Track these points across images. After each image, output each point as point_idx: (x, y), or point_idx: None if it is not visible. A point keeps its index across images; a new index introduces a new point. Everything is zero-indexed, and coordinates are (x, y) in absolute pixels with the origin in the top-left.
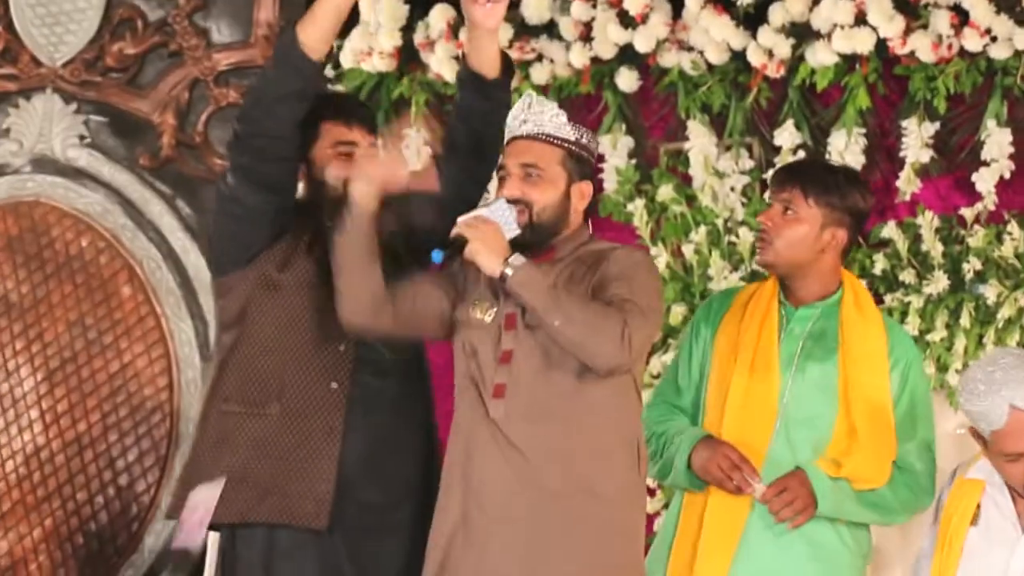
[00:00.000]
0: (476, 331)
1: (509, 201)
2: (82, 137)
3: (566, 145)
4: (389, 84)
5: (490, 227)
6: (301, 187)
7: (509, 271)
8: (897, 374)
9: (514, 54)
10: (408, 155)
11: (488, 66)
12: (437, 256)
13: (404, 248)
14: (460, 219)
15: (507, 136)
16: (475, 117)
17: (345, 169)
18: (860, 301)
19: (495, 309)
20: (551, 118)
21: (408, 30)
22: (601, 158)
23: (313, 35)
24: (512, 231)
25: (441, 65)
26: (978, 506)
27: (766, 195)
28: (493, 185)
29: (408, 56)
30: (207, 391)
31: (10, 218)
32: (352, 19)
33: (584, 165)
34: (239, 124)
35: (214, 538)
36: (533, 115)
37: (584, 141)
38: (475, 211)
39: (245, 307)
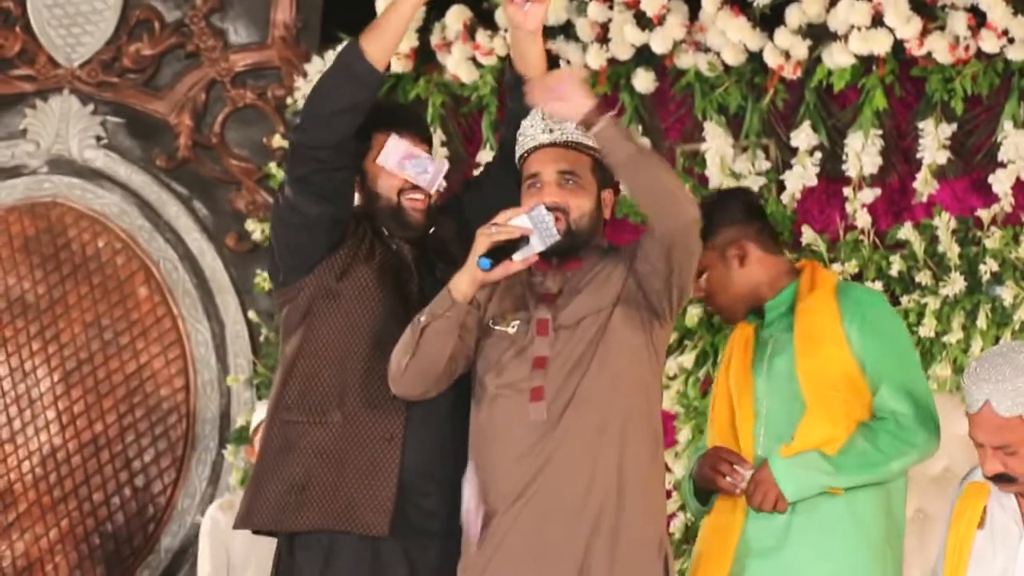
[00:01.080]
0: (498, 344)
1: (548, 208)
2: (99, 138)
3: (594, 153)
4: (405, 85)
5: (562, 73)
6: (356, 197)
7: (609, 117)
8: (855, 331)
9: None
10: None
11: (533, 68)
12: (484, 264)
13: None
14: (496, 219)
15: (528, 144)
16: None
17: (396, 178)
18: (814, 281)
19: (517, 320)
20: (578, 126)
21: (424, 31)
22: None
23: (379, 47)
24: (552, 237)
25: (457, 66)
26: (984, 509)
27: (783, 197)
28: None
29: (424, 57)
30: (272, 400)
31: (27, 219)
32: (368, 18)
33: (608, 172)
34: (298, 135)
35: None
36: (558, 123)
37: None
38: (510, 215)
39: (306, 317)
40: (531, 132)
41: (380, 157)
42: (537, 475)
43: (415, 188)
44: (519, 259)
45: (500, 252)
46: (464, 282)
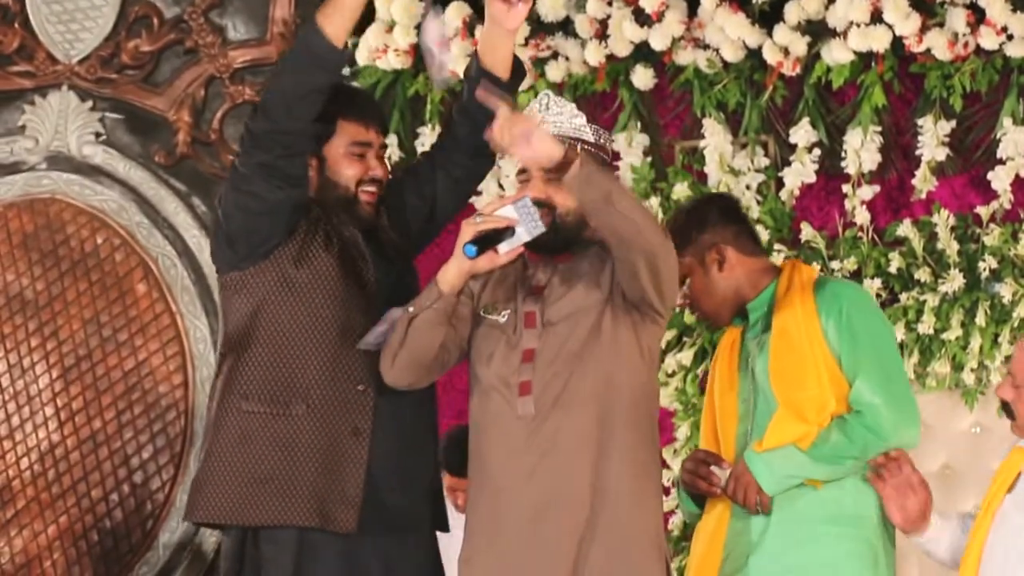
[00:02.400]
0: (490, 334)
1: (534, 202)
2: (98, 134)
3: (586, 148)
4: (404, 82)
5: (525, 118)
6: (312, 182)
7: (582, 158)
8: (832, 325)
9: (529, 52)
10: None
11: (501, 66)
12: (470, 251)
13: (397, 244)
14: (483, 209)
15: None
16: (480, 115)
17: (357, 169)
18: (792, 278)
19: (508, 311)
20: (571, 119)
21: None
22: (616, 156)
23: (337, 25)
24: (537, 228)
25: (457, 63)
26: (1019, 474)
27: (782, 194)
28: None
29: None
30: (219, 389)
31: (25, 215)
32: (368, 16)
33: (601, 165)
34: (260, 122)
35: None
36: (552, 116)
37: (602, 142)
38: (497, 206)
39: (261, 304)
40: None
41: (424, 31)
42: (530, 473)
43: (372, 180)
44: (505, 249)
45: (486, 241)
46: (451, 272)
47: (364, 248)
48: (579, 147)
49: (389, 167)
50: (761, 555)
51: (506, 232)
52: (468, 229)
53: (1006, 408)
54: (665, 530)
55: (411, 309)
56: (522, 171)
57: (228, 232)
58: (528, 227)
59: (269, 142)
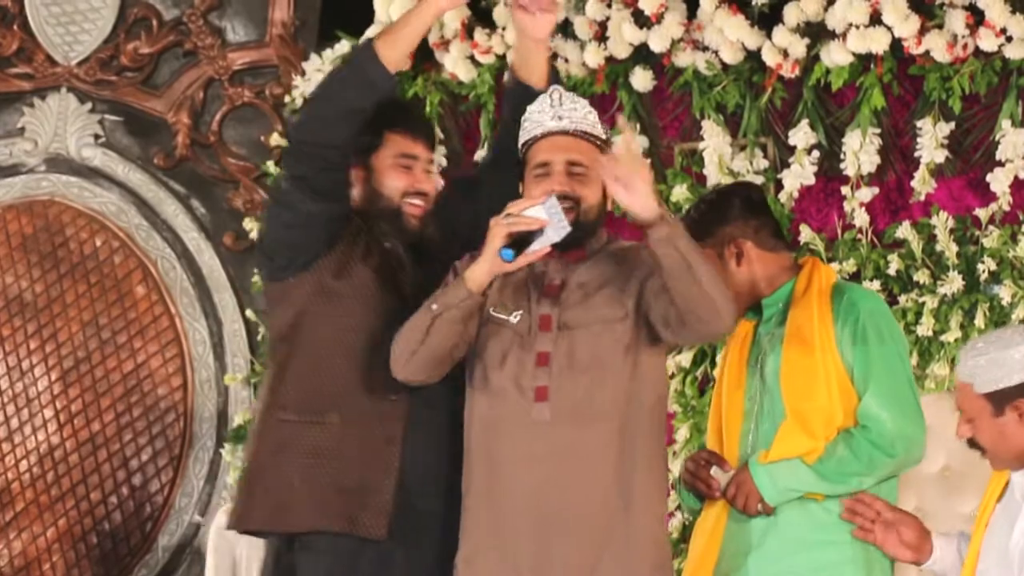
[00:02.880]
0: (500, 334)
1: (559, 197)
2: (97, 136)
3: (600, 143)
4: (403, 83)
5: (639, 163)
6: (356, 193)
7: (670, 218)
8: (847, 335)
9: None
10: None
11: (536, 77)
12: (508, 255)
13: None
14: (511, 208)
15: (535, 130)
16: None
17: (403, 181)
18: (811, 279)
19: (519, 311)
20: (585, 115)
21: None
22: None
23: (395, 52)
24: (564, 229)
25: (455, 65)
26: (1007, 483)
27: (781, 196)
28: None
29: (422, 56)
30: (264, 400)
31: (24, 217)
32: (366, 17)
33: None
34: (301, 134)
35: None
36: (567, 111)
37: (610, 139)
38: (524, 205)
39: (301, 315)
40: (538, 118)
41: (541, 210)
42: (545, 480)
43: (418, 193)
44: (535, 250)
45: (519, 243)
46: (482, 272)
47: (405, 259)
48: (597, 143)
49: (438, 181)
50: (759, 557)
51: (536, 232)
52: (499, 230)
53: (973, 444)
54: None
55: (435, 307)
56: (541, 164)
57: (268, 243)
58: (556, 228)
59: (307, 156)
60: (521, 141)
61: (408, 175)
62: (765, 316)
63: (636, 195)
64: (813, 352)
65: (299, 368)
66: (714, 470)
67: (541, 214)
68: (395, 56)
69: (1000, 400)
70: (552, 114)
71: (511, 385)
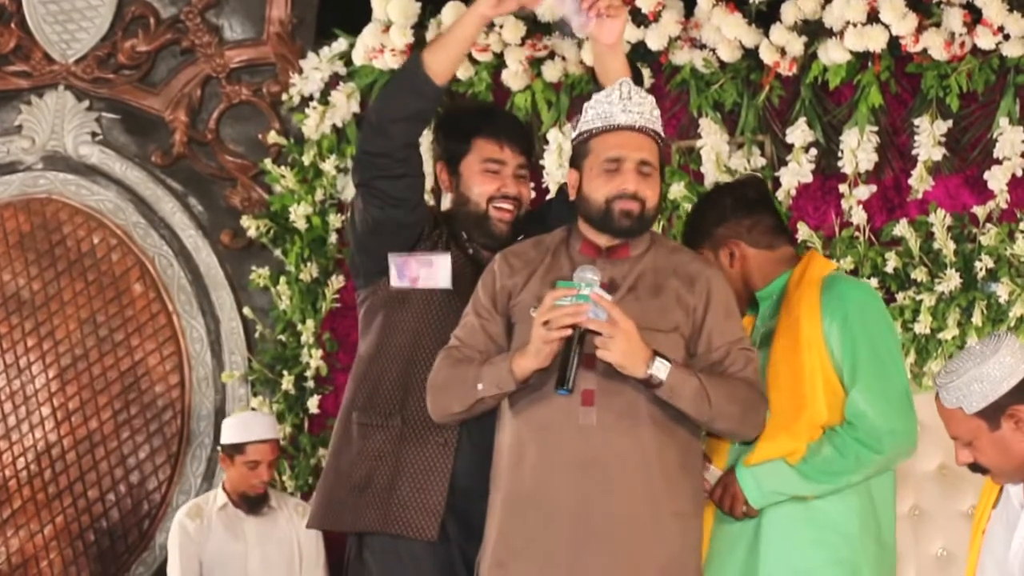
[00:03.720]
0: None
1: (627, 195)
2: (94, 134)
3: (660, 141)
4: None
5: (625, 328)
6: (447, 199)
7: (660, 375)
8: (835, 330)
9: (526, 52)
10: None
11: (615, 81)
12: (564, 392)
13: None
14: (550, 315)
15: (603, 121)
16: None
17: (490, 186)
18: (804, 273)
19: None
20: (652, 111)
21: (420, 28)
22: None
23: (440, 60)
24: (601, 313)
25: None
26: (1002, 489)
27: (778, 194)
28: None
29: None
30: (345, 401)
31: (22, 215)
32: (364, 15)
33: (665, 159)
34: (360, 142)
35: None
36: (636, 106)
37: (668, 139)
38: (557, 296)
39: (377, 319)
40: (607, 110)
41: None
42: (589, 488)
43: (505, 197)
44: (595, 326)
45: (566, 362)
46: (530, 366)
47: (482, 263)
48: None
49: (528, 186)
50: (746, 558)
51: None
52: (542, 347)
53: (975, 468)
54: None
55: (480, 387)
56: (613, 159)
57: (352, 250)
58: (597, 312)
59: (367, 163)
60: (583, 128)
61: (495, 179)
62: (760, 310)
63: (629, 356)
64: (799, 348)
65: (372, 371)
66: (708, 471)
67: (583, 303)
68: (441, 65)
69: (993, 414)
70: (622, 107)
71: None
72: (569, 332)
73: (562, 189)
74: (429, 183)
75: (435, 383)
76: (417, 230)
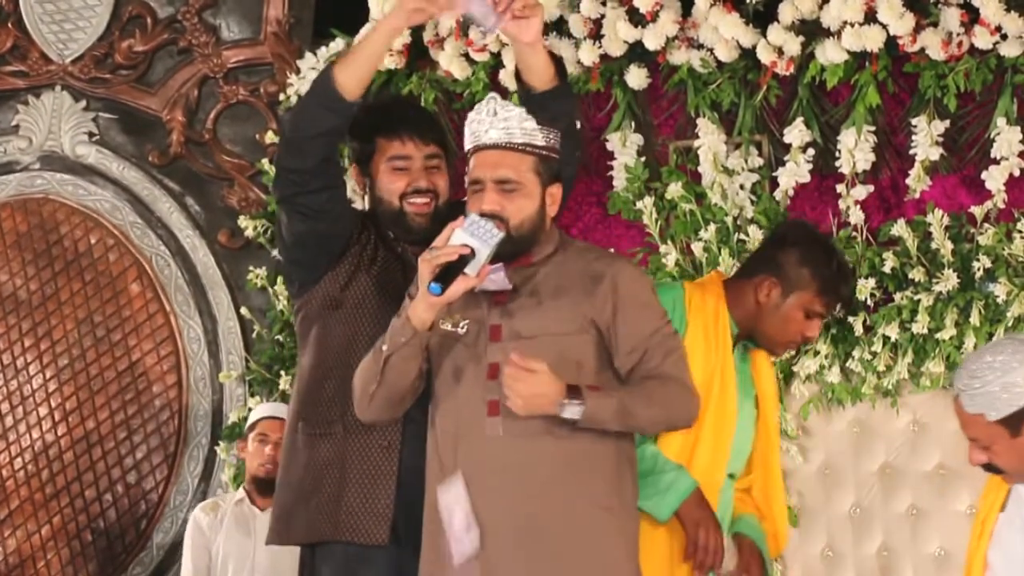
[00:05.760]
0: (450, 346)
1: (483, 215)
2: (91, 134)
3: (537, 152)
4: (398, 81)
5: (528, 380)
6: (366, 201)
7: (573, 415)
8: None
9: None
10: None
11: (540, 79)
12: (436, 289)
13: None
14: (436, 242)
15: (472, 142)
16: (549, 113)
17: (400, 183)
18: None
19: (467, 320)
20: (520, 124)
21: (417, 27)
22: (610, 155)
23: (350, 76)
24: (495, 236)
25: (450, 62)
26: (1008, 492)
27: (776, 194)
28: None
29: (417, 53)
30: (290, 413)
31: (19, 215)
32: (361, 14)
33: (553, 167)
34: (278, 158)
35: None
36: (500, 121)
37: (551, 142)
38: (447, 234)
39: (312, 328)
40: (477, 128)
41: (465, 234)
42: (498, 497)
43: (417, 192)
44: (473, 272)
45: (450, 272)
46: (421, 309)
47: (414, 263)
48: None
49: (442, 175)
50: None
51: (468, 257)
52: (424, 267)
53: (989, 468)
54: None
55: (384, 348)
56: (476, 181)
57: (282, 262)
58: (486, 240)
59: (284, 179)
60: (465, 147)
61: (404, 176)
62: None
63: (540, 394)
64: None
65: (312, 382)
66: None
67: (464, 237)
68: (351, 81)
69: (1016, 422)
70: (489, 123)
71: (464, 399)
72: (452, 255)
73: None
74: None
75: (354, 381)
76: (343, 239)
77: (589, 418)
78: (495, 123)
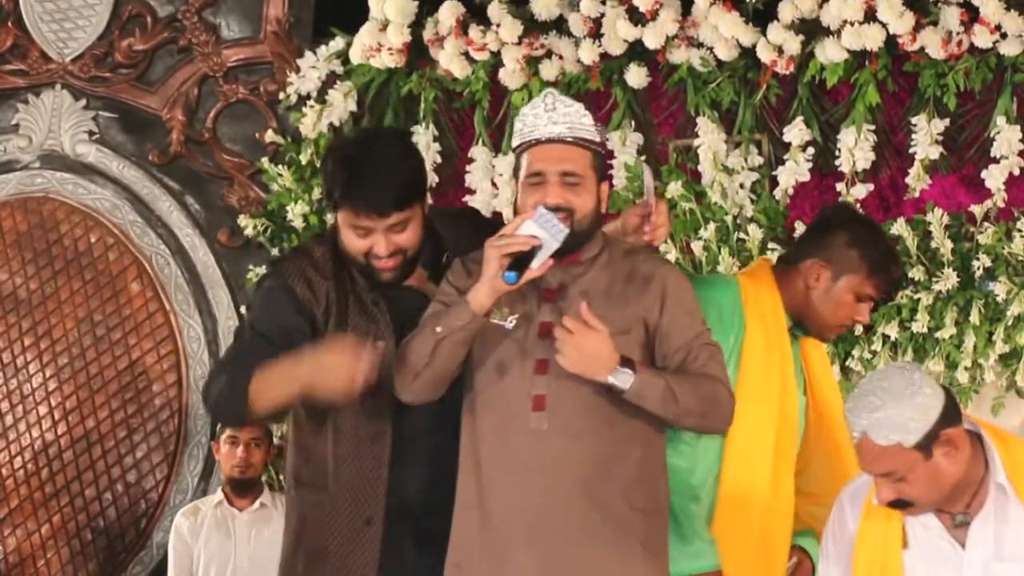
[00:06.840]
0: (496, 340)
1: (549, 208)
2: (91, 133)
3: (594, 147)
4: (398, 80)
5: (588, 337)
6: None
7: (623, 384)
8: None
9: (523, 50)
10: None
11: None
12: (511, 278)
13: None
14: (504, 230)
15: (530, 135)
16: None
17: (361, 245)
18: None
19: (515, 315)
20: (580, 119)
21: (417, 26)
22: (611, 154)
23: (263, 402)
24: (562, 232)
25: (450, 61)
26: (903, 528)
27: (776, 192)
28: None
29: (417, 52)
30: (287, 469)
31: (19, 214)
32: (360, 13)
33: (604, 164)
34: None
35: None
36: (560, 116)
37: (604, 140)
38: (516, 224)
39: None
40: (533, 122)
41: (533, 226)
42: (540, 493)
43: (378, 257)
44: (538, 265)
45: (520, 262)
46: (484, 294)
47: (375, 312)
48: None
49: (409, 236)
50: None
51: (535, 248)
52: (494, 252)
53: (896, 504)
54: None
55: (439, 329)
56: (535, 173)
57: None
58: (553, 234)
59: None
60: (515, 143)
61: (366, 241)
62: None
63: (595, 358)
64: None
65: (295, 443)
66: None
67: (533, 228)
68: (263, 407)
69: (927, 443)
70: (547, 118)
71: (509, 393)
72: (525, 245)
73: None
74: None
75: (399, 361)
76: (307, 333)
77: (636, 391)
78: (555, 117)
